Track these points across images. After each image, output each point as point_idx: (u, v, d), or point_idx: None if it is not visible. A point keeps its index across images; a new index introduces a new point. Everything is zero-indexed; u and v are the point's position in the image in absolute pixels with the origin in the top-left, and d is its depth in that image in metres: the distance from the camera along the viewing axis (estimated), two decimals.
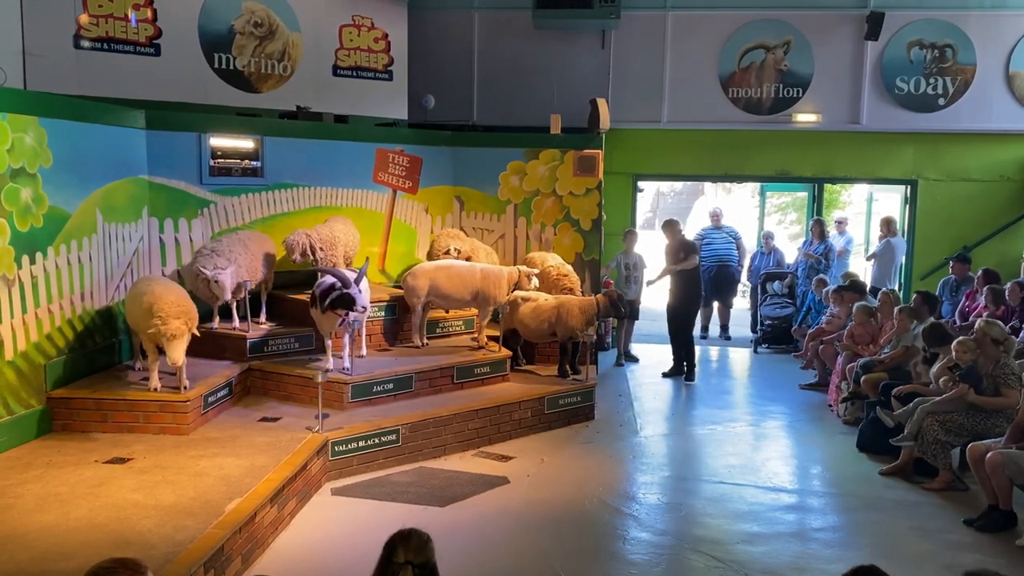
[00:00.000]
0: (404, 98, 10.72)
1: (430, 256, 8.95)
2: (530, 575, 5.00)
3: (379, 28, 10.38)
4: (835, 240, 12.04)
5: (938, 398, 6.44)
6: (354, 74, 10.27)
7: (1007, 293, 8.30)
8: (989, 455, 5.63)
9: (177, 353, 6.07)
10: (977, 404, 6.24)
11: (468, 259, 8.68)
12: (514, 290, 8.18)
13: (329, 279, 6.90)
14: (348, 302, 6.72)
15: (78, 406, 6.22)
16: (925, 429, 6.38)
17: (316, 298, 6.91)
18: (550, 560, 5.13)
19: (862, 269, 12.70)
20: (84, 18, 8.35)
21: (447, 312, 8.60)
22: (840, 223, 12.58)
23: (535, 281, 8.41)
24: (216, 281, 6.91)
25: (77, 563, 4.14)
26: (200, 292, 7.16)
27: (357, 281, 6.82)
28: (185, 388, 6.29)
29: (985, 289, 8.47)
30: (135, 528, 4.59)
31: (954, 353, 6.41)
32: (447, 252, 8.73)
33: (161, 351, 6.25)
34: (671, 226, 9.97)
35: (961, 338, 6.46)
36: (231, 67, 9.27)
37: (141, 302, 6.24)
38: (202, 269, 6.97)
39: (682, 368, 9.82)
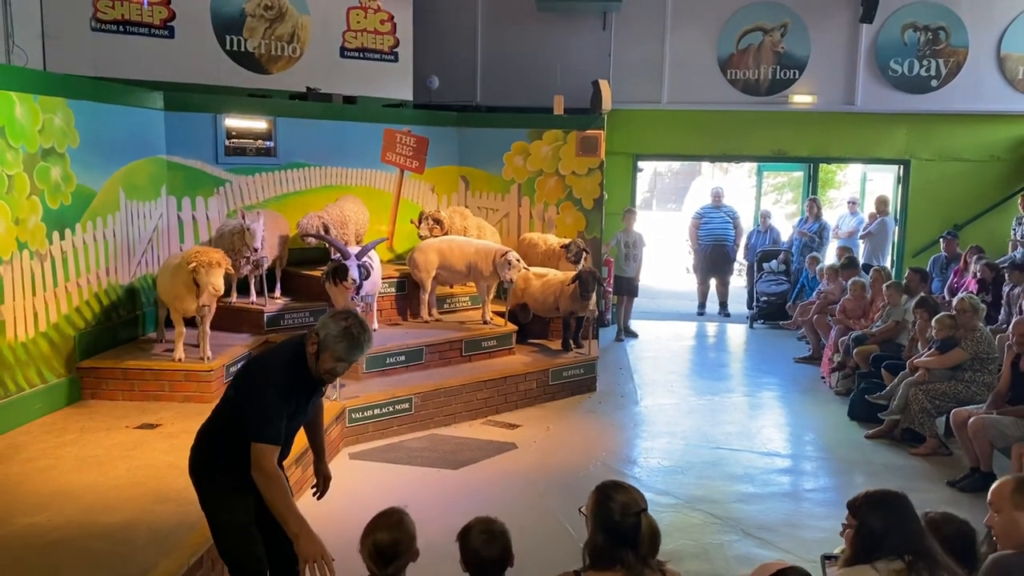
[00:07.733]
0: (409, 79, 10.89)
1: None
2: (539, 530, 5.31)
3: (385, 10, 10.56)
4: (847, 221, 12.16)
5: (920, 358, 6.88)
6: (361, 55, 10.45)
7: (977, 272, 8.60)
8: (971, 420, 5.97)
9: (218, 280, 6.23)
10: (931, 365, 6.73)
11: (446, 232, 8.89)
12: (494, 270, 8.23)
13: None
14: (342, 273, 6.77)
15: (107, 375, 6.51)
16: (911, 400, 6.72)
17: (328, 273, 7.16)
18: (558, 517, 5.45)
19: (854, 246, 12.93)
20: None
21: (451, 287, 8.89)
22: (852, 203, 12.69)
23: (511, 273, 8.07)
24: (248, 229, 7.08)
25: (123, 516, 4.46)
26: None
27: (359, 255, 6.87)
28: (208, 359, 6.58)
29: (981, 264, 8.72)
30: (171, 486, 4.87)
31: (933, 330, 6.77)
32: (426, 219, 8.93)
33: (187, 323, 6.54)
34: None
35: (940, 315, 6.83)
36: (243, 49, 9.48)
37: (175, 263, 6.50)
38: (242, 218, 7.20)
39: None
